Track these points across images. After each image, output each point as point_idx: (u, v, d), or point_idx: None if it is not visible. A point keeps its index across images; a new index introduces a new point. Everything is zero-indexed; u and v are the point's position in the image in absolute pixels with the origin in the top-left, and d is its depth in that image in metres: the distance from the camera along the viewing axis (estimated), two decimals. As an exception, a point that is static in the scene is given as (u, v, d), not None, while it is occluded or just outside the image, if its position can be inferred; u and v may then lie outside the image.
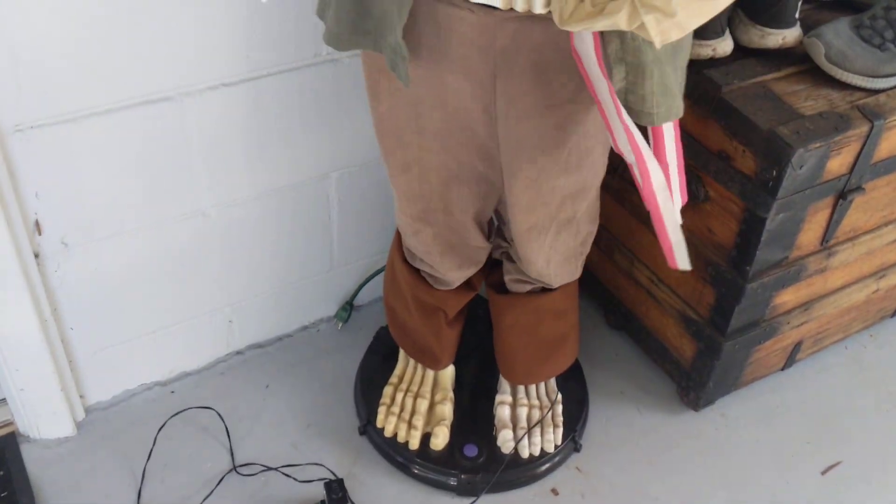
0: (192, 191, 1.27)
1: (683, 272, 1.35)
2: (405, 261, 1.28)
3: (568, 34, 0.89)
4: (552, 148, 1.02)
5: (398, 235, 1.30)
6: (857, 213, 1.31)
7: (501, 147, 1.03)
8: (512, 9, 0.86)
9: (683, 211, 1.31)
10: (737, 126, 1.17)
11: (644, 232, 1.42)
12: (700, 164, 1.24)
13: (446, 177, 1.10)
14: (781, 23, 1.23)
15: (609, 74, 0.89)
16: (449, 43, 0.93)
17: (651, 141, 0.96)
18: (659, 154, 0.97)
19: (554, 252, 1.17)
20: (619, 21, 0.78)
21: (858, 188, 1.24)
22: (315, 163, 1.37)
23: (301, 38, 1.21)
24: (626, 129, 0.91)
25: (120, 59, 1.09)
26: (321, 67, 1.26)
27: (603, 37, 0.87)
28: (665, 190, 0.97)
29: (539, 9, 0.84)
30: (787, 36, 1.24)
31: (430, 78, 0.97)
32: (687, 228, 1.32)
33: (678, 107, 0.93)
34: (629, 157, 0.95)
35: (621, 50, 0.88)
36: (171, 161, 1.22)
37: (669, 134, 0.96)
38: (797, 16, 1.24)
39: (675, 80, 0.92)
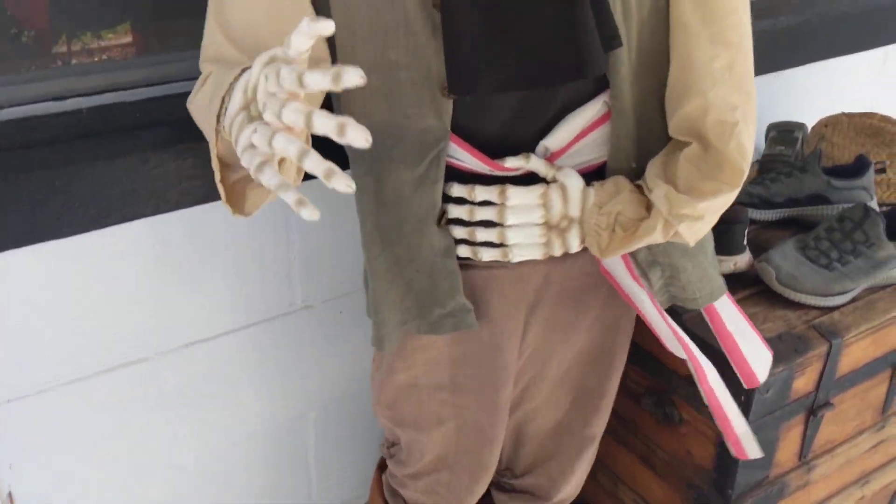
0: (168, 445, 1.26)
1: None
2: (386, 501, 1.26)
3: (589, 258, 0.94)
4: (580, 348, 1.05)
5: (378, 473, 1.29)
6: (831, 426, 1.32)
7: (529, 360, 1.05)
8: (550, 255, 0.90)
9: (662, 434, 1.32)
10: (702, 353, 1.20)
11: (625, 453, 1.42)
12: (671, 388, 1.27)
13: (480, 437, 1.08)
14: (732, 250, 1.30)
15: (645, 281, 0.94)
16: (488, 303, 0.96)
17: (710, 321, 1.01)
18: (720, 330, 1.01)
19: (580, 463, 1.19)
20: (656, 237, 0.84)
21: (827, 404, 1.26)
22: (293, 404, 1.37)
23: (279, 288, 1.25)
24: (673, 331, 0.96)
25: (99, 329, 1.12)
26: (297, 315, 1.30)
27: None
28: (721, 384, 1.01)
29: (575, 249, 0.89)
30: (738, 261, 1.30)
31: (469, 337, 0.99)
32: (665, 450, 1.33)
33: (720, 287, 0.99)
34: (681, 355, 0.99)
35: (650, 254, 0.93)
36: (148, 418, 1.22)
37: (725, 311, 1.01)
38: (744, 242, 1.31)
39: (710, 264, 0.98)
